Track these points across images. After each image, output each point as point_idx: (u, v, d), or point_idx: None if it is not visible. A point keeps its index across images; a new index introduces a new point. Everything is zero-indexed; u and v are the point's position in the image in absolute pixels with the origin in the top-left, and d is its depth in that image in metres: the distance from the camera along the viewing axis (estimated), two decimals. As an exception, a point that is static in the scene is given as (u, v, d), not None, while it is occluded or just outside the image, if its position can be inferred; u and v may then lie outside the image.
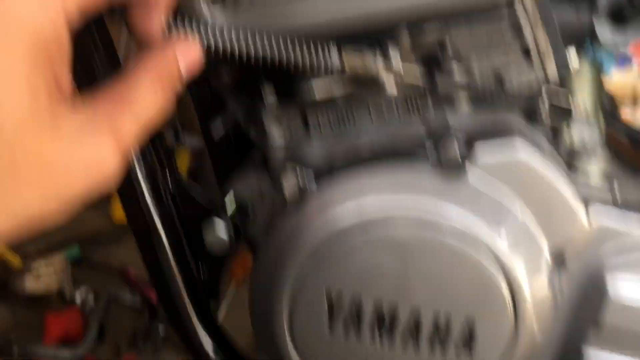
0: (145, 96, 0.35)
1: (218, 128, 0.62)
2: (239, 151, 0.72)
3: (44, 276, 1.47)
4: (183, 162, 2.53)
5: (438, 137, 0.47)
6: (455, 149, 0.46)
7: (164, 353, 1.46)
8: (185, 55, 0.38)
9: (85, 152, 0.32)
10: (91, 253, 1.84)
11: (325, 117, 0.55)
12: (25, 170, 0.30)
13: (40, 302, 1.49)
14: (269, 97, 0.55)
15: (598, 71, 0.63)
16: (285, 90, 0.55)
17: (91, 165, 0.32)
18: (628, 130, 0.65)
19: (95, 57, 0.45)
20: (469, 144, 0.46)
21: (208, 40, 0.39)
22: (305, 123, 0.55)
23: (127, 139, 0.34)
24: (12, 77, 0.29)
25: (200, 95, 0.71)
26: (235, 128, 0.65)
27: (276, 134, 0.56)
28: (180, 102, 0.40)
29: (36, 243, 1.73)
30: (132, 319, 1.57)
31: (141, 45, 0.38)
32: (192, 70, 0.38)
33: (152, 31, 0.38)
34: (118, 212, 1.87)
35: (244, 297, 0.61)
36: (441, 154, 0.46)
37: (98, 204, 2.29)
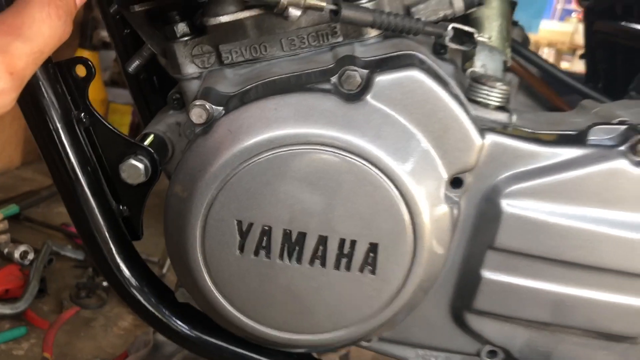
0: (36, 20, 0.35)
1: (132, 62, 0.62)
2: (159, 88, 0.73)
3: (-20, 234, 1.44)
4: (125, 117, 2.50)
5: (342, 65, 0.48)
6: (356, 78, 0.47)
7: (108, 305, 1.46)
8: None
9: None
10: (31, 212, 1.81)
11: (237, 47, 0.55)
12: None
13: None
14: (180, 27, 0.56)
15: (507, 4, 0.65)
16: (196, 21, 0.55)
17: None
18: (535, 60, 0.67)
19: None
20: (371, 74, 0.47)
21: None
22: (218, 53, 0.56)
23: (18, 61, 0.34)
24: None
25: (119, 35, 0.70)
26: (153, 65, 0.65)
27: (189, 67, 0.56)
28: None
29: (-28, 202, 1.69)
30: (76, 274, 1.57)
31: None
32: None
33: None
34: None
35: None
36: (343, 83, 0.47)
37: (37, 162, 2.23)
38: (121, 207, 0.59)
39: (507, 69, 0.62)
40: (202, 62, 0.56)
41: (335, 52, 0.54)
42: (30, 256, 1.46)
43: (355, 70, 0.47)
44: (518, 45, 0.69)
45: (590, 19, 0.79)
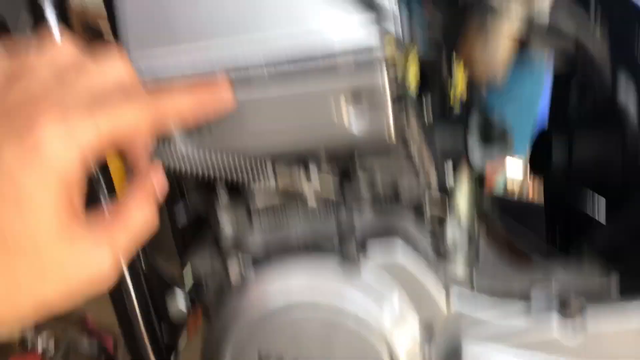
0: (135, 213, 0.49)
1: (181, 214, 0.78)
2: (196, 231, 0.89)
3: (7, 323, 1.56)
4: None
5: (343, 237, 0.65)
6: (353, 247, 0.63)
7: (119, 399, 1.56)
8: (157, 178, 0.52)
9: (89, 256, 0.45)
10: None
11: (265, 215, 0.72)
12: (49, 269, 0.43)
13: (2, 350, 1.58)
14: (223, 195, 0.72)
15: (477, 180, 0.82)
16: (237, 195, 0.72)
17: (92, 266, 0.45)
18: (503, 228, 0.84)
19: (98, 183, 0.62)
20: (364, 243, 0.64)
21: (179, 162, 0.56)
22: (250, 218, 0.72)
23: (121, 248, 0.47)
24: (43, 204, 0.42)
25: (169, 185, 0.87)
26: (194, 213, 0.82)
27: (227, 227, 0.73)
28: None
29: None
30: (90, 367, 1.67)
31: (130, 169, 0.54)
32: (164, 190, 0.53)
33: (139, 163, 0.54)
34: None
35: (193, 347, 0.76)
36: (343, 251, 0.64)
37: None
38: (164, 334, 0.74)
39: (473, 233, 0.79)
40: (237, 223, 0.73)
41: (339, 221, 0.70)
42: (51, 346, 1.58)
43: (352, 240, 0.64)
44: (484, 211, 0.86)
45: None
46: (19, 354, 1.58)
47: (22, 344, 1.59)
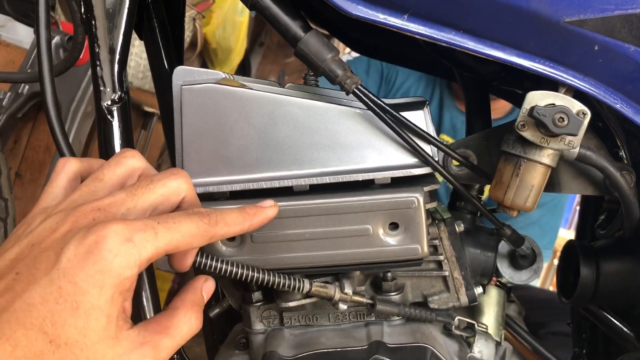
0: (182, 320, 0.52)
1: (214, 309, 0.81)
2: (226, 325, 0.91)
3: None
4: (167, 284, 2.69)
5: (372, 354, 0.67)
6: (382, 361, 0.65)
7: None
8: (207, 288, 0.57)
9: (131, 358, 0.48)
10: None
11: (296, 315, 0.75)
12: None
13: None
14: (256, 295, 0.75)
15: (504, 293, 0.84)
16: (269, 295, 0.75)
17: None
18: (524, 336, 0.85)
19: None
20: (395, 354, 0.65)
21: (221, 269, 0.60)
22: (281, 318, 0.75)
23: (164, 353, 0.50)
24: (96, 306, 0.46)
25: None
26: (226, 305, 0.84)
27: (258, 326, 0.75)
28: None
29: None
30: None
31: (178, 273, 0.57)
32: (209, 296, 0.57)
33: (185, 268, 0.58)
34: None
35: None
36: (374, 364, 0.65)
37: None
38: None
39: (499, 346, 0.80)
40: (268, 322, 0.75)
41: (369, 331, 0.72)
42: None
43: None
44: (512, 322, 0.87)
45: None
46: None
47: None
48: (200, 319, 0.54)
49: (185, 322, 0.52)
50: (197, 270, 0.61)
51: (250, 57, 4.14)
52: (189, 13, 2.62)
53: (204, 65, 3.17)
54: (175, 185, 0.53)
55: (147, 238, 0.47)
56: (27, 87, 2.03)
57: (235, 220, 0.55)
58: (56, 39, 2.00)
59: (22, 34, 2.31)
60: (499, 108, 1.83)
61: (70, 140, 2.02)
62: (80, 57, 1.00)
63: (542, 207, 1.98)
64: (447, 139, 1.95)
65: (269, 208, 0.60)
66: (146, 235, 0.47)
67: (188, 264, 0.57)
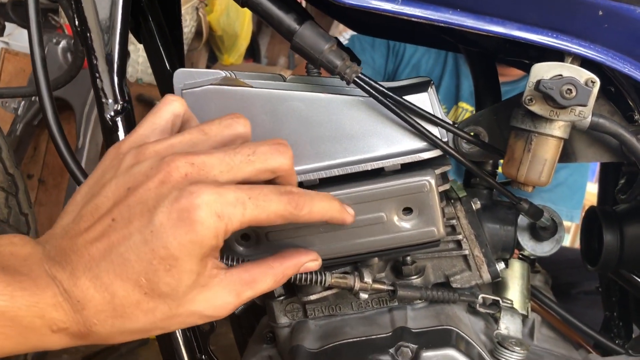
0: (267, 280, 0.54)
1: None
2: (254, 318, 0.92)
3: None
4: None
5: (398, 340, 0.66)
6: (408, 353, 0.65)
7: None
8: (308, 265, 0.58)
9: (218, 299, 0.51)
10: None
11: (319, 306, 0.75)
12: (182, 310, 0.50)
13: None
14: (278, 292, 0.75)
15: (527, 266, 0.83)
16: (291, 288, 0.75)
17: (217, 307, 0.51)
18: (552, 306, 0.84)
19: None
20: (419, 350, 0.65)
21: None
22: (304, 310, 0.75)
23: (242, 301, 0.53)
24: (188, 271, 0.48)
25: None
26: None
27: (282, 320, 0.75)
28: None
29: (59, 358, 1.90)
30: None
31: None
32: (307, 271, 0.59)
33: None
34: None
35: None
36: (398, 356, 0.65)
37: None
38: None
39: (526, 318, 0.79)
40: (292, 315, 0.76)
41: (392, 317, 0.72)
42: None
43: (407, 346, 0.65)
44: (538, 292, 0.86)
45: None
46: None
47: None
48: (280, 284, 0.56)
49: (269, 282, 0.55)
50: None
51: (258, 39, 4.12)
52: (192, 3, 2.61)
53: (211, 53, 3.16)
54: (276, 165, 0.52)
55: (236, 213, 0.49)
56: (39, 94, 2.05)
57: (321, 207, 0.54)
58: (63, 43, 2.01)
59: (29, 41, 2.32)
60: (511, 74, 1.79)
61: (87, 143, 2.04)
62: (84, 64, 1.00)
63: (569, 166, 1.95)
64: (466, 106, 1.92)
65: (350, 215, 0.58)
66: (235, 210, 0.49)
67: None
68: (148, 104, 2.46)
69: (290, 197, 0.51)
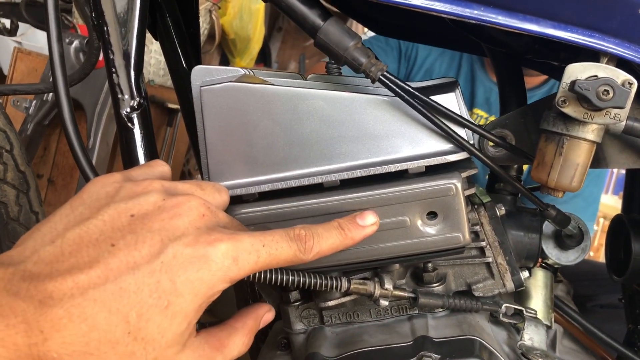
0: (236, 344, 0.52)
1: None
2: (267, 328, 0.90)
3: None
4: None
5: (419, 350, 0.64)
6: (429, 356, 0.62)
7: None
8: (266, 318, 0.58)
9: None
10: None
11: (336, 312, 0.72)
12: None
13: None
14: (294, 295, 0.73)
15: (550, 275, 0.80)
16: (307, 293, 0.73)
17: None
18: (574, 317, 0.81)
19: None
20: (441, 349, 0.63)
21: (258, 277, 0.57)
22: (321, 317, 0.73)
23: None
24: (183, 315, 0.45)
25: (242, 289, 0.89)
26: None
27: (297, 326, 0.73)
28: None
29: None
30: None
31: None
32: (264, 325, 0.57)
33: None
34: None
35: None
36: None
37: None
38: None
39: (550, 327, 0.76)
40: (308, 321, 0.73)
41: (412, 324, 0.70)
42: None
43: (430, 356, 0.63)
44: (561, 303, 0.83)
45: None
46: None
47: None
48: (249, 346, 0.54)
49: (239, 345, 0.53)
50: None
51: (269, 44, 4.11)
52: (205, 5, 2.60)
53: (223, 56, 3.15)
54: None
55: (249, 260, 0.48)
56: (51, 94, 2.04)
57: (329, 245, 0.54)
58: (75, 43, 2.01)
59: (42, 41, 2.32)
60: (531, 82, 1.76)
61: (98, 143, 2.03)
62: (98, 61, 0.98)
63: (585, 178, 1.92)
64: (481, 113, 1.89)
65: (369, 227, 0.56)
66: (250, 257, 0.48)
67: None
68: (159, 106, 2.45)
69: (300, 243, 0.52)
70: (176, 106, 2.47)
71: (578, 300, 1.63)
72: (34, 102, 2.06)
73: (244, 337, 0.53)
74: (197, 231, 0.47)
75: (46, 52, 2.23)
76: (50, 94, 2.06)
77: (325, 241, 0.54)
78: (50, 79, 0.65)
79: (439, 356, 0.62)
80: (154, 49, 2.38)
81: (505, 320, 0.72)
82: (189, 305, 0.45)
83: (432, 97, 0.62)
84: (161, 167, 0.56)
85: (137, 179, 0.52)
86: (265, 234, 0.50)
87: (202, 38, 2.68)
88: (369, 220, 0.56)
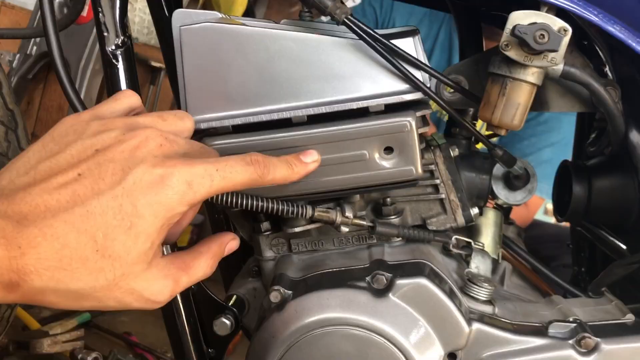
0: (201, 264, 0.57)
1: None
2: (240, 258, 0.97)
3: (59, 339, 1.67)
4: (185, 236, 2.77)
5: (373, 267, 0.71)
6: (383, 280, 0.69)
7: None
8: (230, 246, 0.62)
9: (156, 284, 0.53)
10: (99, 318, 2.05)
11: (303, 241, 0.79)
12: (123, 280, 0.51)
13: (55, 362, 1.69)
14: (265, 226, 0.80)
15: (501, 215, 0.87)
16: (277, 222, 0.79)
17: (154, 292, 0.53)
18: (522, 255, 0.89)
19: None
20: (394, 278, 0.70)
21: (231, 201, 0.63)
22: (289, 245, 0.79)
23: (180, 288, 0.55)
24: (146, 235, 0.50)
25: (216, 219, 0.96)
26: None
27: (268, 253, 0.80)
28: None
29: (52, 309, 1.94)
30: (134, 381, 1.77)
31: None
32: (229, 253, 0.62)
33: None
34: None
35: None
36: (374, 283, 0.70)
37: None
38: (210, 350, 0.81)
39: (497, 263, 0.84)
40: (277, 249, 0.80)
41: (370, 252, 0.77)
42: (99, 360, 1.68)
43: (383, 274, 0.70)
44: (510, 242, 0.91)
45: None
46: (70, 368, 1.68)
47: (73, 359, 1.69)
48: (214, 269, 0.59)
49: (203, 267, 0.57)
50: (208, 202, 0.64)
51: (254, 8, 4.11)
52: (189, -36, 2.61)
53: (208, 18, 3.15)
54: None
55: (204, 184, 0.52)
56: (35, 47, 2.07)
57: (281, 174, 0.59)
58: (60, -2, 2.02)
59: (26, -4, 2.32)
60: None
61: (82, 97, 2.06)
62: (84, 12, 1.02)
63: (554, 146, 2.00)
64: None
65: (311, 163, 0.63)
66: (203, 181, 0.52)
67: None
68: (143, 64, 2.48)
69: (256, 167, 0.56)
70: (160, 64, 2.50)
71: (543, 261, 1.73)
72: (18, 55, 2.08)
73: (209, 260, 0.57)
74: (155, 160, 0.51)
75: (29, 7, 2.24)
76: (34, 48, 2.08)
77: (278, 170, 0.59)
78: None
79: (391, 275, 0.70)
80: (138, 7, 2.40)
81: (455, 251, 0.79)
82: (150, 226, 0.50)
83: (393, 41, 0.68)
84: (129, 98, 0.60)
85: (104, 116, 0.57)
86: (220, 160, 0.55)
87: (186, -1, 2.70)
88: (310, 158, 0.63)
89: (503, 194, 0.83)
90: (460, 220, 0.79)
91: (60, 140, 0.53)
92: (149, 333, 2.06)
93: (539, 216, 2.57)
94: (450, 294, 0.70)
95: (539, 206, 2.14)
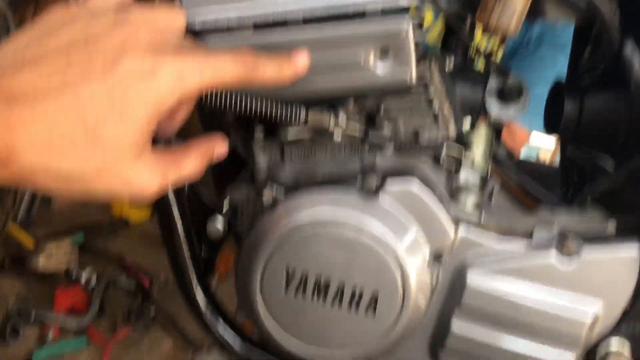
0: (190, 162, 0.58)
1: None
2: (234, 167, 0.98)
3: (54, 257, 1.70)
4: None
5: (365, 172, 0.73)
6: (373, 181, 0.71)
7: (153, 330, 1.70)
8: (219, 149, 0.62)
9: (143, 176, 0.53)
10: (93, 241, 2.08)
11: (296, 150, 0.80)
12: (111, 169, 0.51)
13: (50, 279, 1.73)
14: (259, 133, 0.80)
15: (492, 132, 0.88)
16: (271, 130, 0.80)
17: (142, 185, 0.53)
18: (515, 175, 0.91)
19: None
20: (384, 178, 0.71)
21: (226, 100, 0.64)
22: (282, 153, 0.80)
23: (168, 181, 0.56)
24: (136, 123, 0.50)
25: (210, 123, 0.96)
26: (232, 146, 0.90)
27: (261, 159, 0.81)
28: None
29: (47, 228, 1.97)
30: (127, 300, 1.81)
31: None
32: (219, 157, 0.62)
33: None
34: (117, 208, 2.11)
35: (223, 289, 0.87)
36: (365, 184, 0.71)
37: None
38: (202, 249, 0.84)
39: (486, 179, 0.86)
40: (270, 157, 0.81)
41: (362, 159, 0.78)
42: (93, 281, 1.72)
43: (374, 176, 0.71)
44: (500, 159, 0.93)
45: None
46: (64, 285, 1.73)
47: (67, 276, 1.74)
48: (202, 168, 0.59)
49: (193, 165, 0.58)
50: (200, 100, 0.65)
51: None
52: None
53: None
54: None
55: (194, 77, 0.52)
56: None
57: (271, 72, 0.59)
58: None
59: None
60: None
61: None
62: None
63: (547, 81, 1.99)
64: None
65: (300, 65, 0.62)
66: (193, 74, 0.52)
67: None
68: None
69: (246, 62, 0.56)
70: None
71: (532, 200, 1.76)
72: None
73: (198, 158, 0.58)
74: (145, 51, 0.51)
75: None
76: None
77: (268, 68, 0.58)
78: None
79: (382, 176, 0.71)
80: None
81: (444, 158, 0.80)
82: (140, 116, 0.50)
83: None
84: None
85: (94, 8, 0.56)
86: (211, 55, 0.54)
87: None
88: (300, 59, 0.62)
89: (496, 108, 0.84)
90: (452, 132, 0.80)
91: (51, 27, 0.52)
92: (143, 260, 2.10)
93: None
94: (440, 199, 0.72)
95: (525, 139, 2.16)
